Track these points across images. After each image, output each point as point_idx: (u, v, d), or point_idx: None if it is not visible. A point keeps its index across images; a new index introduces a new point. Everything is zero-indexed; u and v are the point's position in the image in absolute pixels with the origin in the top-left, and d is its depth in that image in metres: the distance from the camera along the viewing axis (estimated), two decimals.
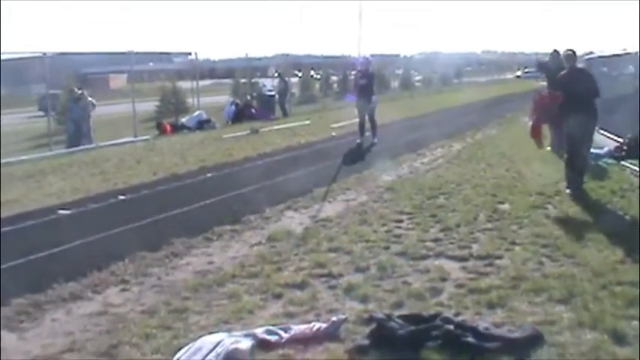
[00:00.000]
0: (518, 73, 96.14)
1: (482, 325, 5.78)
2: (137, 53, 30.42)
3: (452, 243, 8.79)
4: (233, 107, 32.52)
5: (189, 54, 36.61)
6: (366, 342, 5.63)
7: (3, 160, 19.49)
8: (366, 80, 20.68)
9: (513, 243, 8.64)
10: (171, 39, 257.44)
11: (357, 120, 21.11)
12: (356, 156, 17.60)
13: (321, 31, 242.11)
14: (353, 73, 52.60)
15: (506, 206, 10.83)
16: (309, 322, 6.16)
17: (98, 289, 7.63)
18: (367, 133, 20.54)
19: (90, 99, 25.47)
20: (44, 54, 24.64)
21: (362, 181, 13.65)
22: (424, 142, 19.43)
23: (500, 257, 8.07)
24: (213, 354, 5.44)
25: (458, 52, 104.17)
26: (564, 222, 9.62)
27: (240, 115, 31.83)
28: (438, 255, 8.33)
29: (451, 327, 5.61)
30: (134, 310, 6.90)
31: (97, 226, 10.52)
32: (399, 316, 5.94)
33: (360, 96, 20.72)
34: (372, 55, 54.69)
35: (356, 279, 7.45)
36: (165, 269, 8.31)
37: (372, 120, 20.63)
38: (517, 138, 19.67)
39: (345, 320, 6.06)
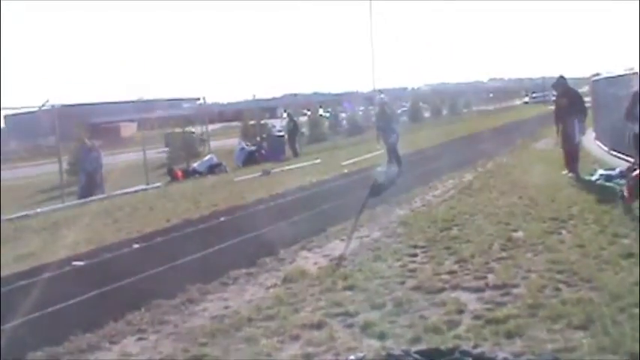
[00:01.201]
0: (526, 99, 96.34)
1: (501, 355, 5.73)
2: (146, 101, 30.68)
3: (467, 274, 8.75)
4: (243, 151, 32.66)
5: (198, 99, 36.88)
6: None
7: (17, 214, 19.63)
8: (383, 121, 21.94)
9: (529, 271, 8.59)
10: (180, 84, 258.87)
11: (367, 156, 21.34)
12: (367, 192, 17.58)
13: (329, 69, 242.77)
14: (361, 109, 53.11)
15: (520, 234, 10.79)
16: None
17: (115, 340, 7.62)
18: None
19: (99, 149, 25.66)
20: (53, 106, 24.85)
21: (374, 217, 13.64)
22: (435, 174, 19.41)
23: (516, 286, 8.02)
24: None
25: (465, 81, 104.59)
26: (579, 246, 9.56)
27: (250, 157, 31.96)
28: (454, 287, 8.28)
29: (470, 359, 5.57)
30: (151, 359, 6.88)
31: (112, 276, 10.53)
32: (417, 352, 5.89)
33: (381, 135, 22.12)
34: (380, 90, 55.05)
35: (372, 316, 7.41)
36: (181, 316, 8.30)
37: (395, 155, 21.42)
38: (528, 164, 19.71)
39: (363, 358, 6.03)
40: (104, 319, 8.17)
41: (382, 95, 23.89)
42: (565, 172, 16.34)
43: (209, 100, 45.07)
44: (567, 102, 16.82)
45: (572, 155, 16.57)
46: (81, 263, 12.01)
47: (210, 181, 25.49)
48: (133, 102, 31.15)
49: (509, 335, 6.40)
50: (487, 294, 7.88)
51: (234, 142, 38.77)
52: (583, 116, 17.27)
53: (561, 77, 17.34)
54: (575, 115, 16.72)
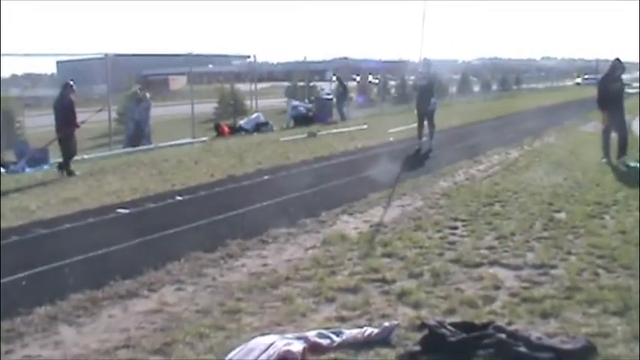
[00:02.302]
0: (578, 80, 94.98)
1: (534, 335, 5.73)
2: (197, 55, 30.77)
3: (506, 251, 8.72)
4: (296, 109, 32.69)
5: (248, 57, 36.91)
6: (417, 348, 5.63)
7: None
8: (426, 82, 20.88)
9: (569, 253, 8.55)
10: (231, 41, 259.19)
11: (413, 125, 21.09)
12: (413, 161, 17.55)
13: (381, 35, 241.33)
14: (412, 78, 52.73)
15: (562, 215, 10.72)
16: (361, 326, 6.17)
17: (154, 288, 7.75)
18: (424, 138, 20.57)
19: (150, 100, 25.85)
20: (106, 55, 25.05)
21: (418, 187, 13.61)
22: (481, 148, 19.28)
23: (555, 267, 7.99)
24: (264, 355, 5.48)
25: (517, 58, 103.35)
26: (621, 232, 9.48)
27: (302, 117, 32.01)
28: (492, 263, 8.27)
29: (503, 336, 5.58)
30: (188, 310, 6.99)
31: (155, 225, 10.69)
32: (451, 324, 5.92)
33: (420, 98, 20.91)
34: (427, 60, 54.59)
35: (409, 285, 7.44)
36: (219, 270, 8.40)
37: (430, 123, 20.71)
38: (575, 146, 19.49)
39: (397, 326, 6.07)
40: (144, 267, 8.32)
41: (429, 58, 22.45)
42: (604, 160, 15.97)
43: (259, 59, 45.09)
44: (620, 87, 16.39)
45: (623, 142, 16.11)
46: (125, 211, 12.18)
47: (256, 139, 25.57)
48: (183, 55, 31.25)
49: (544, 315, 6.39)
50: (525, 272, 7.85)
51: (282, 102, 38.80)
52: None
53: (618, 60, 16.62)
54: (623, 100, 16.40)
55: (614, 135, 16.33)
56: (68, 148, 18.20)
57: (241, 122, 30.10)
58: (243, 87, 38.24)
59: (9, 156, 20.60)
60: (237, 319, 6.58)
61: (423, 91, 20.81)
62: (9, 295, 7.41)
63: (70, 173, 17.46)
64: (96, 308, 7.14)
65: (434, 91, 21.14)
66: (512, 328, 5.92)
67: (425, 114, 20.67)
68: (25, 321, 6.74)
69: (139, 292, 7.60)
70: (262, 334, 5.98)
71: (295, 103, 34.09)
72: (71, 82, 19.24)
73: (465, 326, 5.88)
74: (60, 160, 18.24)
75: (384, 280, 7.64)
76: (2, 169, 18.45)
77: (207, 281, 7.97)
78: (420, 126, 20.81)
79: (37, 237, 10.49)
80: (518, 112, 36.46)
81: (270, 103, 38.45)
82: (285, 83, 49.17)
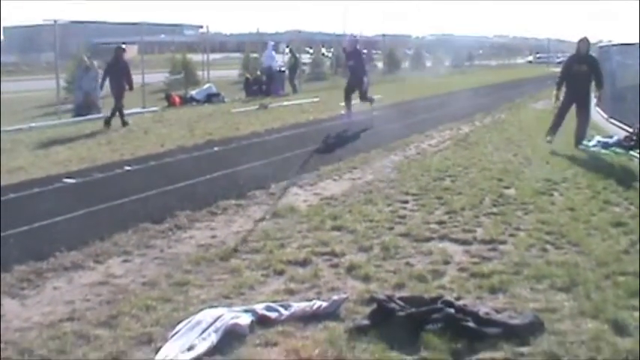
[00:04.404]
0: (530, 58, 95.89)
1: (483, 310, 5.74)
2: (149, 24, 30.38)
3: (456, 226, 8.74)
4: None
5: (201, 27, 36.69)
6: (366, 322, 5.60)
7: (11, 127, 19.57)
8: (354, 61, 20.61)
9: (518, 229, 8.59)
10: (183, 11, 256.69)
11: None
12: (364, 134, 17.53)
13: (334, 9, 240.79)
14: (364, 51, 52.66)
15: (512, 191, 10.78)
16: (310, 300, 6.14)
17: (100, 260, 7.62)
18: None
19: (98, 69, 25.44)
20: (55, 22, 24.60)
21: (368, 161, 13.61)
22: (432, 123, 19.37)
23: (503, 242, 8.02)
24: (212, 328, 5.42)
25: (470, 35, 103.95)
26: (570, 209, 9.56)
27: (250, 89, 31.92)
28: (442, 237, 8.28)
29: (452, 311, 5.57)
30: (135, 282, 6.89)
31: (102, 196, 10.55)
32: (400, 298, 5.90)
33: (350, 78, 20.98)
34: (384, 35, 54.56)
35: (358, 258, 7.42)
36: (167, 242, 8.30)
37: (366, 99, 21.41)
38: (525, 123, 19.67)
39: (345, 299, 6.04)
40: (90, 238, 8.18)
41: (356, 34, 23.53)
42: (549, 138, 15.51)
43: (212, 30, 44.67)
44: (587, 69, 15.33)
45: (583, 127, 15.46)
46: (72, 180, 11.98)
47: (207, 109, 25.39)
48: (135, 24, 30.83)
49: (493, 290, 6.40)
50: (474, 247, 7.88)
51: (234, 73, 38.57)
52: (601, 87, 16.10)
53: (586, 40, 15.64)
54: (591, 84, 15.69)
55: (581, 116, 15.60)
56: (121, 104, 20.93)
57: (192, 93, 29.86)
58: (195, 57, 37.92)
59: None
60: (184, 292, 6.50)
61: (352, 71, 20.83)
62: None
63: (125, 123, 20.53)
64: (40, 280, 7.00)
65: (365, 69, 21.23)
66: (461, 302, 5.91)
67: (356, 93, 21.08)
68: None
69: (84, 264, 7.46)
70: (210, 307, 5.91)
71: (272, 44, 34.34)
72: (123, 46, 22.10)
73: (413, 300, 5.86)
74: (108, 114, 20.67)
75: (333, 254, 7.61)
76: None
77: (154, 253, 7.87)
78: (347, 99, 21.06)
79: None
80: (469, 88, 36.62)
81: (222, 74, 38.14)
82: (238, 54, 48.86)
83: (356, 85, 20.86)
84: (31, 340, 5.52)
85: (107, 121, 20.25)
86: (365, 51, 47.29)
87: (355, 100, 21.53)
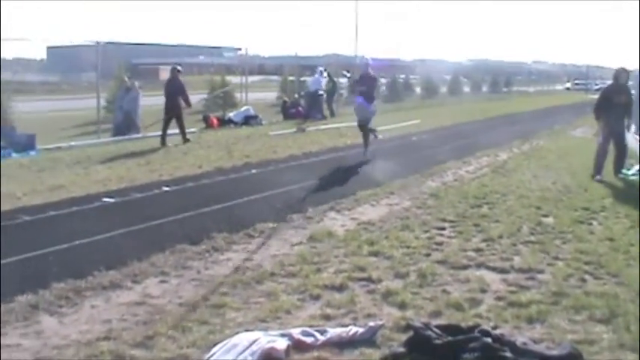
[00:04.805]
0: (568, 84, 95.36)
1: (520, 340, 5.69)
2: (188, 46, 30.65)
3: (493, 254, 8.69)
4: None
5: (240, 49, 36.86)
6: (402, 349, 5.59)
7: (52, 145, 19.85)
8: (366, 87, 18.62)
9: (556, 258, 8.52)
10: (222, 33, 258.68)
11: (402, 124, 21.00)
12: (401, 160, 17.49)
13: (373, 33, 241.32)
14: (402, 76, 52.69)
15: (550, 220, 10.70)
16: (346, 325, 6.13)
17: (137, 279, 7.69)
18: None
19: (139, 89, 25.74)
20: (97, 43, 24.94)
21: (406, 186, 13.58)
22: (470, 149, 19.29)
23: (541, 272, 7.96)
24: (248, 352, 5.43)
25: (508, 60, 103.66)
26: (609, 239, 9.46)
27: (287, 111, 32.03)
28: (479, 265, 8.24)
29: (489, 340, 5.54)
30: (172, 303, 6.93)
31: (140, 216, 10.63)
32: (437, 326, 5.87)
33: (360, 102, 18.76)
34: (420, 60, 54.61)
35: (395, 285, 7.40)
36: (204, 263, 8.35)
37: (367, 129, 18.81)
38: (564, 151, 19.51)
39: (382, 326, 6.03)
40: (129, 258, 8.25)
41: (368, 58, 19.93)
42: (598, 177, 14.62)
43: (250, 52, 44.99)
44: (625, 100, 15.06)
45: (621, 157, 15.27)
46: (111, 200, 12.09)
47: (244, 132, 25.52)
48: (174, 46, 31.15)
49: (530, 320, 6.35)
50: (511, 276, 7.82)
51: (272, 95, 38.73)
52: (630, 116, 15.51)
53: (625, 70, 15.45)
54: (628, 114, 15.23)
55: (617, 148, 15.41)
56: (183, 122, 22.18)
57: (230, 115, 30.03)
58: (233, 79, 38.15)
59: None
60: (221, 314, 6.53)
61: (363, 95, 18.57)
62: None
63: (187, 140, 21.70)
64: (79, 298, 7.07)
65: (374, 94, 19.11)
66: (498, 332, 5.87)
67: (364, 120, 18.65)
68: (7, 309, 6.66)
69: (122, 284, 7.53)
70: (246, 330, 5.93)
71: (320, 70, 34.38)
72: (179, 67, 22.80)
73: (450, 329, 5.83)
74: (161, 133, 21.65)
75: (370, 279, 7.60)
76: None
77: (191, 274, 7.92)
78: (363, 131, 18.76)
79: (21, 224, 10.39)
80: (508, 114, 36.50)
81: (260, 97, 38.33)
82: (276, 77, 49.12)
83: (363, 112, 18.62)
84: (69, 358, 5.58)
85: (183, 138, 21.86)
86: (383, 78, 47.18)
87: (392, 125, 21.43)
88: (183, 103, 21.92)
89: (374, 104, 18.78)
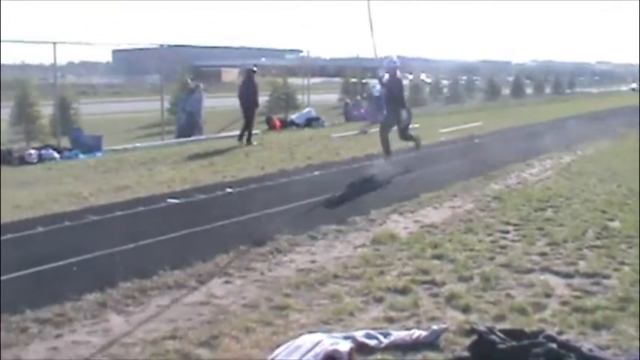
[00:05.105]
0: (634, 85, 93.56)
1: (586, 346, 5.62)
2: (249, 49, 30.86)
3: (558, 258, 8.58)
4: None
5: (301, 51, 36.96)
6: (465, 354, 5.56)
7: (117, 147, 20.21)
8: (391, 92, 16.70)
9: (622, 263, 8.37)
10: (283, 36, 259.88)
11: (465, 126, 20.81)
12: (464, 162, 17.39)
13: (433, 34, 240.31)
14: (463, 78, 52.24)
15: (616, 224, 10.52)
16: (409, 328, 6.12)
17: (202, 280, 7.78)
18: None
19: (202, 91, 26.02)
20: (161, 46, 25.30)
21: (469, 189, 13.48)
22: (533, 152, 19.06)
23: (607, 277, 7.83)
24: (311, 353, 5.46)
25: (572, 61, 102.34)
26: None
27: (349, 113, 32.07)
28: (544, 269, 8.15)
29: (554, 346, 5.48)
30: (236, 303, 7.00)
31: (204, 217, 10.77)
32: (501, 330, 5.83)
33: (388, 112, 16.96)
34: (484, 62, 54.18)
35: (459, 288, 7.36)
36: (268, 264, 8.41)
37: (408, 136, 17.42)
38: (630, 154, 19.15)
39: (445, 329, 6.01)
40: (193, 259, 8.36)
41: (394, 58, 17.21)
42: None
43: (312, 54, 45.09)
44: None
45: None
46: (175, 201, 12.25)
47: (306, 133, 25.62)
48: (236, 48, 31.34)
49: (596, 326, 6.26)
50: (576, 281, 7.72)
51: (333, 97, 38.78)
52: None
53: None
54: None
55: None
56: (252, 125, 22.67)
57: (293, 117, 30.15)
58: (295, 81, 38.29)
59: (64, 142, 20.86)
60: (284, 315, 6.58)
61: (389, 102, 16.81)
62: (56, 281, 7.56)
63: (251, 143, 21.96)
64: (144, 297, 7.20)
65: (404, 100, 17.22)
66: (563, 337, 5.81)
67: (392, 130, 17.00)
68: (75, 307, 6.82)
69: (187, 284, 7.64)
70: (309, 332, 5.96)
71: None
72: (254, 68, 23.78)
73: (515, 334, 5.79)
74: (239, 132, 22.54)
75: (433, 283, 7.58)
76: (57, 155, 18.75)
77: (255, 275, 7.99)
78: (385, 142, 16.94)
79: (88, 223, 10.62)
80: (571, 116, 35.98)
81: (322, 99, 38.41)
82: (337, 79, 49.15)
83: (394, 120, 16.99)
84: (134, 356, 5.71)
85: (247, 139, 22.21)
86: (409, 76, 46.09)
87: (454, 127, 21.24)
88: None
89: (406, 110, 16.99)
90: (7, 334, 6.18)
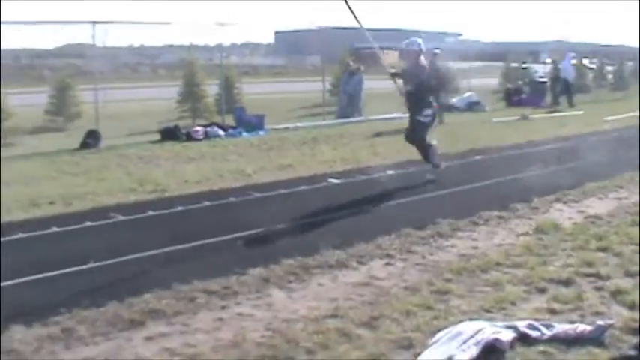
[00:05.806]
0: None
1: None
2: (409, 31, 30.76)
3: None
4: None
5: (460, 34, 36.55)
6: (632, 352, 5.38)
7: (279, 126, 20.65)
8: (415, 85, 12.63)
9: None
10: (443, 18, 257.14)
11: (632, 114, 19.99)
12: (629, 152, 16.76)
13: (600, 18, 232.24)
14: (630, 64, 49.99)
15: None
16: (573, 321, 6.00)
17: (363, 260, 7.87)
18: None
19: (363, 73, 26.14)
20: (320, 27, 25.59)
21: (636, 180, 12.89)
22: None
23: None
24: (473, 340, 5.43)
25: None
26: None
27: (511, 98, 31.60)
28: None
29: None
30: (397, 286, 7.04)
31: (364, 198, 10.88)
32: None
33: (411, 108, 12.80)
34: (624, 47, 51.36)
35: (625, 283, 7.11)
36: (429, 248, 8.41)
37: (422, 141, 12.82)
38: None
39: (611, 325, 5.83)
40: (355, 239, 8.47)
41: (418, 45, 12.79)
42: None
43: (472, 37, 44.47)
44: None
45: None
46: (336, 181, 12.41)
47: (467, 118, 25.35)
48: (395, 30, 31.27)
49: None
50: None
51: (493, 81, 38.17)
52: None
53: None
54: None
55: None
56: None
57: (453, 100, 29.84)
58: (455, 65, 37.88)
59: (228, 120, 21.46)
60: (445, 300, 6.56)
61: (412, 98, 12.74)
62: (226, 254, 7.86)
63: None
64: (307, 275, 7.36)
65: (432, 95, 13.17)
66: None
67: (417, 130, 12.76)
68: (240, 280, 7.05)
69: (348, 263, 7.74)
70: (470, 319, 5.93)
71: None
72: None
73: None
74: None
75: (597, 276, 7.35)
76: (222, 133, 19.31)
77: (416, 258, 8.00)
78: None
79: (251, 200, 10.94)
80: None
81: (482, 83, 37.85)
82: (498, 63, 48.27)
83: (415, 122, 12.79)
84: (297, 332, 5.82)
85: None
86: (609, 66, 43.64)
87: (619, 115, 20.45)
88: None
89: (428, 111, 12.74)
90: (176, 302, 6.47)
